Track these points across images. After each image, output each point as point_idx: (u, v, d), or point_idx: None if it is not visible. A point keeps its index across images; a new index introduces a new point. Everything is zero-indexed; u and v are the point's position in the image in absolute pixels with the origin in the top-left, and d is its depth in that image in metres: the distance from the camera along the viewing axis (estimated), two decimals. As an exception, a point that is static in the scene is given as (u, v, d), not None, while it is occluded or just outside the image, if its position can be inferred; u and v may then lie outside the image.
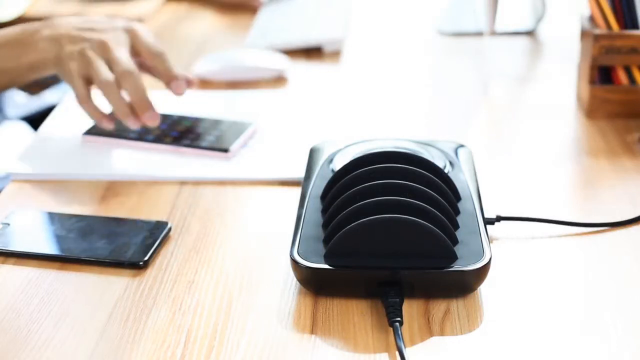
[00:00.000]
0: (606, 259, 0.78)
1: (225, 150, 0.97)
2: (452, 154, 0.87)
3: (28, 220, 0.83)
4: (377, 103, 1.15)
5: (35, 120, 1.25)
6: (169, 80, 1.00)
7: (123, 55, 0.96)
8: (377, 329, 0.68)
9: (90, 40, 0.97)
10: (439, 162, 0.84)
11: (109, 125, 0.98)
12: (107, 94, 0.95)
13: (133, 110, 0.95)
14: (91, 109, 0.97)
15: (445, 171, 0.81)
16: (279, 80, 1.21)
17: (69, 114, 1.08)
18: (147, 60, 1.01)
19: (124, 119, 0.95)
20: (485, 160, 0.93)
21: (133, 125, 0.96)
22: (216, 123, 1.03)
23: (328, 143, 0.90)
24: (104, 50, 0.96)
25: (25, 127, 1.31)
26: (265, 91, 1.16)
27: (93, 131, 1.01)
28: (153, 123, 0.96)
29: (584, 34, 1.08)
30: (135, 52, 1.01)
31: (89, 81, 0.97)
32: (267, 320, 0.69)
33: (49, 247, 0.79)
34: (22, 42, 1.00)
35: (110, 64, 0.96)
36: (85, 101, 0.97)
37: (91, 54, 0.95)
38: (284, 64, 1.21)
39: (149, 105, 0.95)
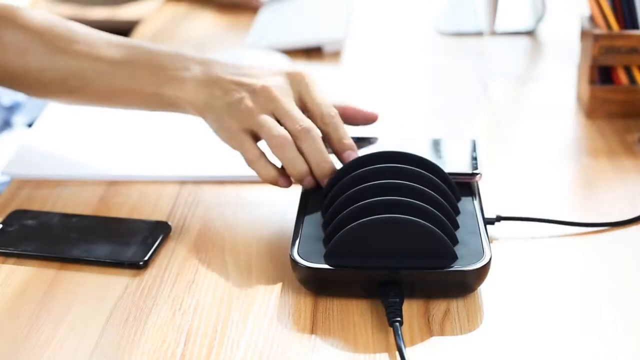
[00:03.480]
0: (606, 259, 0.78)
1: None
2: (452, 154, 0.87)
3: (28, 220, 0.83)
4: (377, 103, 1.14)
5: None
6: (341, 150, 0.82)
7: (294, 107, 0.81)
8: (377, 329, 0.68)
9: (248, 86, 0.82)
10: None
11: (286, 185, 0.82)
12: (282, 152, 0.79)
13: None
14: (266, 169, 0.81)
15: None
16: (279, 80, 1.20)
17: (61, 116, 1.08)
18: (315, 122, 0.82)
19: (301, 180, 0.81)
20: (485, 160, 0.93)
21: (308, 185, 0.81)
22: None
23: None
24: (268, 100, 0.81)
25: (25, 127, 1.31)
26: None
27: None
28: (325, 183, 0.80)
29: (584, 34, 1.08)
30: (300, 107, 0.83)
31: (254, 137, 0.82)
32: (267, 320, 0.69)
33: (49, 247, 0.79)
34: (166, 71, 0.86)
35: (279, 117, 0.81)
36: (258, 160, 0.81)
37: (252, 105, 0.81)
38: (284, 64, 1.21)
39: (330, 167, 0.80)
